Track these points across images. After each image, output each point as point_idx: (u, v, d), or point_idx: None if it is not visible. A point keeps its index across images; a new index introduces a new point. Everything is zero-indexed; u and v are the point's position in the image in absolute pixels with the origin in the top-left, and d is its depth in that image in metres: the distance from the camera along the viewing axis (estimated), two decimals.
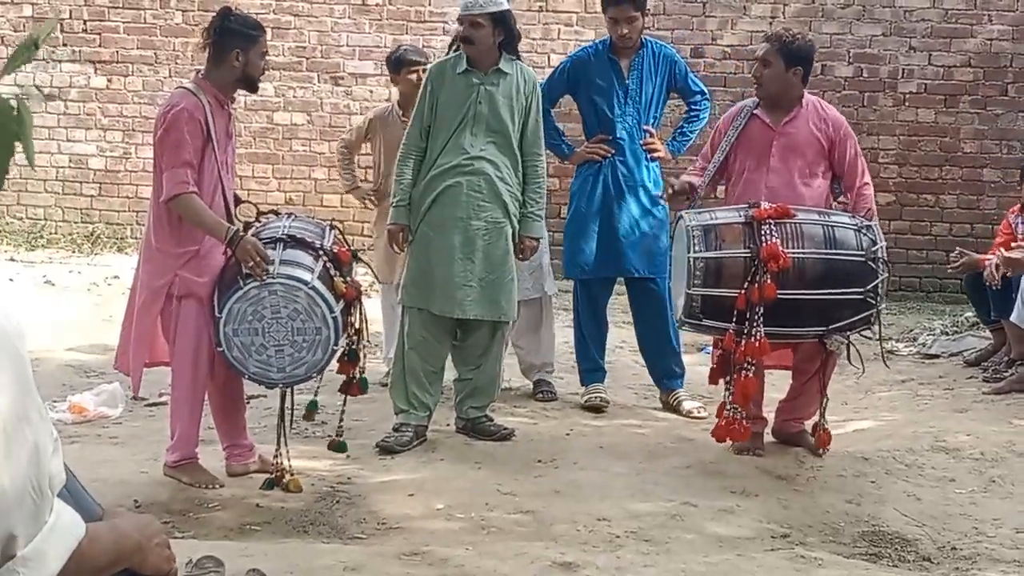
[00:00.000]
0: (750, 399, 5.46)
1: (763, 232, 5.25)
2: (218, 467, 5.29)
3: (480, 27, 5.84)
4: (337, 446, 5.45)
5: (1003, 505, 5.20)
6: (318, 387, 5.35)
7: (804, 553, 4.46)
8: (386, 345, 7.11)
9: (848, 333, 5.47)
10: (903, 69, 10.39)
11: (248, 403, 5.67)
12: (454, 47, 6.08)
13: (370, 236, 8.12)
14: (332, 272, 5.07)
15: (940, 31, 10.32)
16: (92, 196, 11.13)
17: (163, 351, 5.18)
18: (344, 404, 5.41)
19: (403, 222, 5.92)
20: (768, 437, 5.89)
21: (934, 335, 8.59)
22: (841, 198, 5.80)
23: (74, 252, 10.74)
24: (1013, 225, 7.73)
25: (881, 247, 5.37)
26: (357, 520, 4.87)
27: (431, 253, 5.87)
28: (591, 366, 6.84)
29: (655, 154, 6.70)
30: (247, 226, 5.15)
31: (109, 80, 11.00)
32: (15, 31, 11.03)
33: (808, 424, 5.84)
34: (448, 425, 6.13)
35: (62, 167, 11.05)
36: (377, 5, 10.73)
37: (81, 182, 11.11)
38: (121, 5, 10.92)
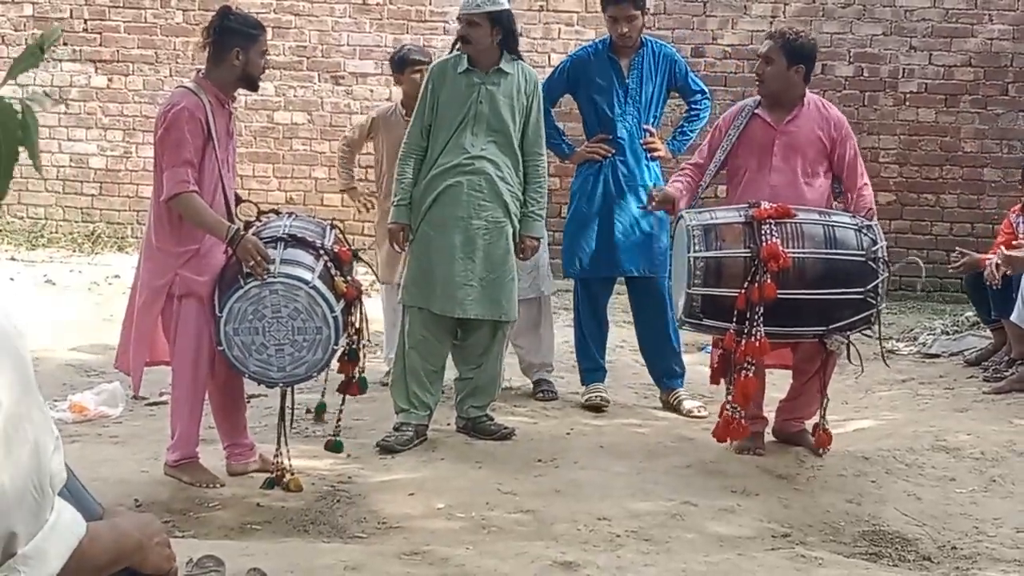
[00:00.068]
0: (750, 399, 5.46)
1: (763, 232, 5.25)
2: (219, 466, 5.29)
3: (477, 26, 5.84)
4: (333, 446, 5.45)
5: (1003, 504, 5.20)
6: (324, 388, 5.35)
7: (804, 552, 4.46)
8: (387, 345, 7.11)
9: (848, 333, 5.47)
10: (904, 69, 10.39)
11: (248, 402, 5.68)
12: (456, 47, 6.08)
13: (371, 236, 8.12)
14: (333, 271, 5.07)
15: (941, 31, 10.32)
16: (93, 195, 11.13)
17: (163, 350, 5.18)
18: (343, 404, 5.40)
19: (404, 221, 5.92)
20: (768, 436, 5.89)
21: (934, 334, 8.59)
22: (840, 198, 5.80)
23: (75, 251, 10.74)
24: (1014, 224, 7.73)
25: (881, 247, 5.37)
26: (357, 519, 4.87)
27: (432, 252, 5.87)
28: (591, 365, 6.84)
29: (655, 153, 6.70)
30: (248, 225, 5.16)
31: (110, 79, 11.01)
32: (16, 30, 11.04)
33: (809, 424, 5.84)
34: (448, 424, 6.14)
35: (63, 166, 11.05)
36: (378, 4, 10.73)
37: (82, 181, 11.11)
38: (122, 4, 10.91)
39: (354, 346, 5.20)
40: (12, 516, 1.85)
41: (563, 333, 7.43)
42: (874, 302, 5.36)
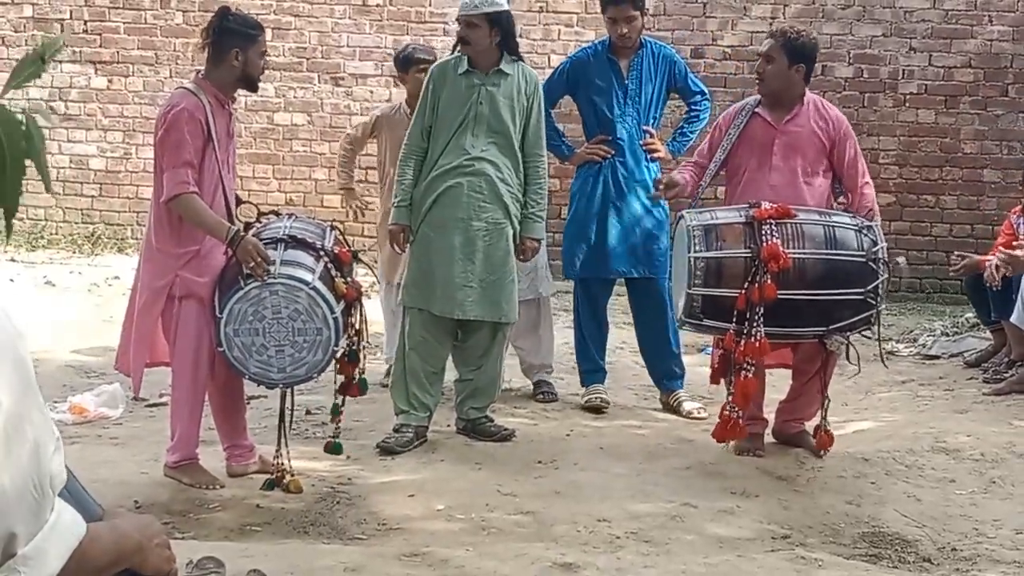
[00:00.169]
0: (750, 399, 5.45)
1: (764, 232, 5.25)
2: (218, 468, 5.28)
3: (476, 28, 5.84)
4: (333, 447, 5.45)
5: (1003, 506, 5.20)
6: (336, 391, 5.34)
7: (804, 554, 4.46)
8: (387, 346, 7.10)
9: (848, 333, 5.47)
10: (903, 70, 10.39)
11: (248, 404, 5.67)
12: (456, 48, 6.08)
13: (371, 237, 8.11)
14: (333, 273, 5.07)
15: (940, 32, 10.32)
16: (93, 197, 11.13)
17: (164, 351, 5.18)
18: (342, 405, 5.40)
19: (404, 222, 5.92)
20: (768, 438, 5.89)
21: (934, 336, 8.59)
22: (841, 198, 5.79)
23: (74, 253, 10.74)
24: (1015, 225, 7.73)
25: (882, 248, 5.37)
26: (357, 521, 4.87)
27: (432, 254, 5.87)
28: (591, 367, 6.84)
29: (655, 154, 6.69)
30: (248, 226, 5.16)
31: (110, 81, 11.01)
32: (15, 31, 11.04)
33: (809, 425, 5.84)
34: (448, 426, 6.13)
35: (63, 167, 11.05)
36: (378, 6, 10.73)
37: (82, 183, 11.10)
38: (121, 6, 10.91)
39: (354, 347, 5.20)
40: (12, 516, 1.85)
41: (563, 334, 7.42)
42: (874, 303, 5.36)
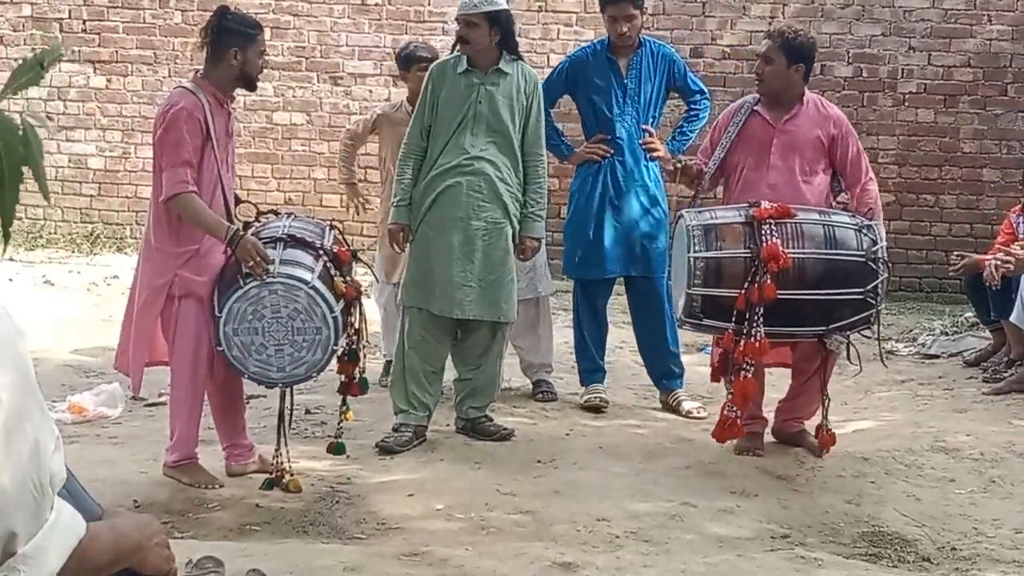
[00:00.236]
0: (749, 399, 5.45)
1: (763, 232, 5.24)
2: (218, 467, 5.28)
3: (475, 27, 5.83)
4: (336, 448, 5.45)
5: (1003, 505, 5.20)
6: (337, 389, 5.34)
7: (804, 553, 4.46)
8: (385, 344, 7.10)
9: (848, 333, 5.47)
10: (903, 69, 10.39)
11: (248, 403, 5.67)
12: (456, 47, 6.08)
13: (371, 236, 8.11)
14: (332, 272, 5.07)
15: (940, 31, 10.32)
16: (91, 196, 11.12)
17: (163, 351, 5.18)
18: (344, 405, 5.40)
19: (403, 222, 5.92)
20: (768, 437, 5.89)
21: (934, 335, 8.59)
22: (841, 196, 5.79)
23: (73, 252, 10.73)
24: (1014, 225, 7.73)
25: (881, 247, 5.37)
26: (357, 520, 4.87)
27: (431, 253, 5.87)
28: (591, 366, 6.84)
29: (655, 154, 6.69)
30: (247, 226, 5.15)
31: (108, 80, 11.00)
32: (14, 31, 11.03)
33: (809, 425, 5.84)
34: (448, 425, 6.13)
35: (61, 167, 11.04)
36: (376, 5, 10.72)
37: (80, 182, 11.10)
38: (120, 5, 10.91)
39: (354, 346, 5.20)
40: (12, 515, 1.84)
41: (562, 334, 7.42)
42: (874, 302, 5.36)
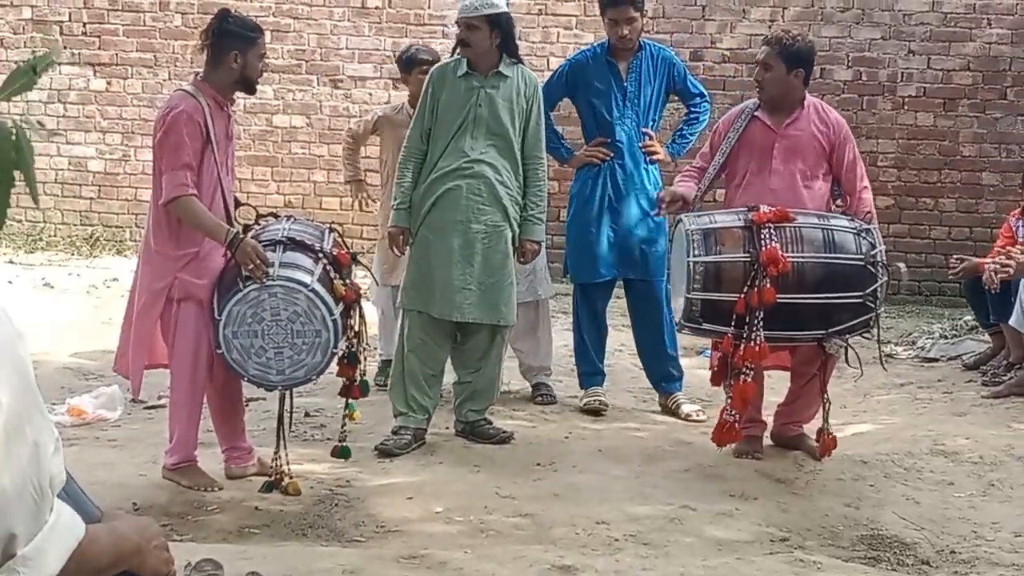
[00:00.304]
0: (748, 403, 5.45)
1: (763, 236, 5.24)
2: (217, 470, 5.28)
3: (476, 30, 5.84)
4: (340, 451, 5.45)
5: (1002, 509, 5.20)
6: (339, 392, 5.33)
7: (803, 557, 4.46)
8: (383, 344, 7.09)
9: (847, 336, 5.47)
10: (902, 73, 10.40)
11: (247, 406, 5.67)
12: (456, 50, 6.08)
13: (371, 239, 8.10)
14: (332, 275, 5.07)
15: (939, 35, 10.33)
16: (91, 199, 11.12)
17: (162, 353, 5.17)
18: (345, 408, 5.40)
19: (403, 225, 5.92)
20: (767, 440, 5.89)
21: (933, 339, 8.59)
22: (839, 200, 5.79)
23: (73, 254, 10.73)
24: (1014, 228, 7.73)
25: (880, 251, 5.37)
26: (356, 523, 4.87)
27: (431, 256, 5.87)
28: (590, 369, 6.84)
29: (654, 157, 6.69)
30: (246, 228, 5.15)
31: (108, 83, 11.00)
32: (15, 33, 11.03)
33: (808, 428, 5.84)
34: (447, 428, 6.13)
35: (61, 169, 11.05)
36: (376, 8, 10.73)
37: (80, 185, 11.10)
38: (120, 8, 10.92)
39: (353, 349, 5.20)
40: (12, 517, 1.85)
41: (562, 337, 7.42)
42: (873, 306, 5.36)
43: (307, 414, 6.30)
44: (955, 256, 7.99)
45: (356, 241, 9.24)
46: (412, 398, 5.90)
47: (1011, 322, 7.22)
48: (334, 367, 5.21)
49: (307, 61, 10.83)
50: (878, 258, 5.34)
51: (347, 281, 5.15)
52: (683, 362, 6.93)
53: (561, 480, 5.42)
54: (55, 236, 11.06)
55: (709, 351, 6.29)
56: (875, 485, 5.41)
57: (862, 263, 5.33)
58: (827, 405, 5.59)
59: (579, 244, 6.71)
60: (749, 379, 5.32)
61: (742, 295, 5.22)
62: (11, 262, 10.29)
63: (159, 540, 2.18)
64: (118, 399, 6.52)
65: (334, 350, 5.00)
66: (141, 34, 10.92)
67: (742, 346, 5.24)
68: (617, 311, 7.68)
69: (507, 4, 5.98)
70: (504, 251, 5.89)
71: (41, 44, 10.66)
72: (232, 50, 5.09)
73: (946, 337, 8.58)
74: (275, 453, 5.17)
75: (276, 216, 5.50)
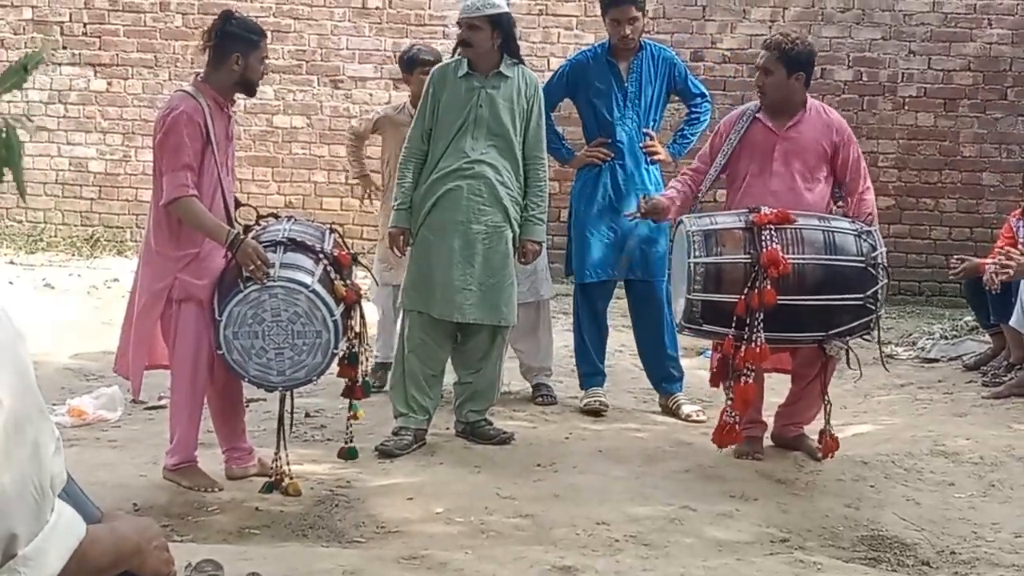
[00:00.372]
0: (749, 405, 5.45)
1: (763, 237, 5.24)
2: (217, 470, 5.28)
3: (478, 30, 5.84)
4: (347, 453, 5.46)
5: (1002, 509, 5.20)
6: (341, 393, 5.33)
7: (803, 557, 4.46)
8: (380, 345, 7.08)
9: (848, 338, 5.47)
10: (903, 73, 10.39)
11: (247, 406, 5.67)
12: (457, 51, 6.08)
13: (371, 240, 8.10)
14: (332, 275, 5.07)
15: (940, 35, 10.33)
16: (92, 199, 11.12)
17: (163, 354, 5.18)
18: (349, 409, 5.40)
19: (404, 225, 5.92)
20: (767, 441, 5.89)
21: (933, 339, 8.59)
22: (840, 202, 5.79)
23: (73, 255, 10.74)
24: (1014, 229, 7.73)
25: (881, 252, 5.37)
26: (356, 524, 4.87)
27: (431, 257, 5.87)
28: (591, 370, 6.84)
29: (655, 157, 6.69)
30: (247, 229, 5.15)
31: (109, 83, 11.01)
32: (15, 34, 11.03)
33: (809, 429, 5.84)
34: (447, 429, 6.13)
35: (62, 170, 11.06)
36: (377, 9, 10.73)
37: (81, 185, 11.10)
38: (121, 8, 10.92)
39: (354, 350, 5.20)
40: (13, 517, 1.85)
41: (563, 337, 7.42)
42: (873, 307, 5.35)
43: (307, 415, 6.30)
44: (955, 256, 7.99)
45: (356, 241, 9.24)
46: (412, 399, 5.90)
47: (1011, 323, 7.22)
48: (334, 368, 5.22)
49: (307, 61, 10.83)
50: (878, 260, 5.34)
51: (348, 282, 5.16)
52: (683, 363, 6.93)
53: (561, 481, 5.42)
54: (56, 237, 11.07)
55: (709, 352, 6.29)
56: (875, 486, 5.41)
57: (862, 265, 5.32)
58: (828, 406, 5.59)
59: (580, 244, 6.71)
60: (750, 380, 5.32)
61: (743, 296, 5.22)
62: (12, 263, 10.30)
63: (159, 540, 2.18)
64: (118, 400, 6.52)
65: (335, 351, 5.00)
66: (142, 35, 10.93)
67: (743, 347, 5.24)
68: (617, 311, 7.68)
69: (508, 4, 5.98)
70: (505, 252, 5.89)
71: (42, 45, 10.66)
72: (234, 52, 5.09)
73: (946, 338, 8.58)
74: (275, 454, 5.17)
75: (276, 217, 5.50)
